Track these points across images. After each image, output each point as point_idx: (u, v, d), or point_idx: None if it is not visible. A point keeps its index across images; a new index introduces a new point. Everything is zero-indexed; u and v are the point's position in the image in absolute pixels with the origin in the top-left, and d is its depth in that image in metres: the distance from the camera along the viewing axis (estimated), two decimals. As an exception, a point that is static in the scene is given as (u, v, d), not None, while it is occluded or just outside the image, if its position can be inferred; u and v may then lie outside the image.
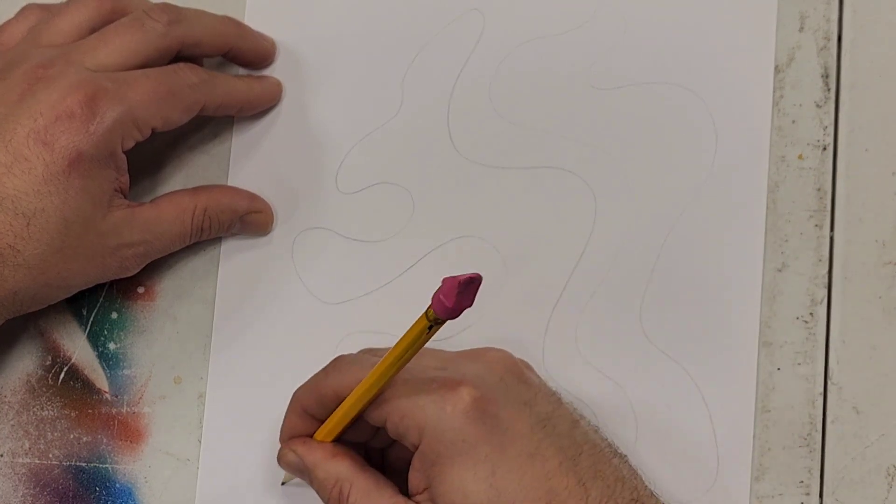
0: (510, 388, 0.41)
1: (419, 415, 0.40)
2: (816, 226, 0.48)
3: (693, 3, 0.50)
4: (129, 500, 0.48)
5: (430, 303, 0.36)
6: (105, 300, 0.49)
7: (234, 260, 0.49)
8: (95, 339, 0.49)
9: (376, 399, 0.41)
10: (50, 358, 0.49)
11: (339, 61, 0.51)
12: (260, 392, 0.48)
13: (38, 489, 0.48)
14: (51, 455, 0.48)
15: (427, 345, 0.39)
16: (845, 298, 0.48)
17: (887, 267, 0.48)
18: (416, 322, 0.38)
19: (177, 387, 0.49)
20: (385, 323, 0.48)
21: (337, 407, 0.42)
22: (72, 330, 0.49)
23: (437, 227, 0.49)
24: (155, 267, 0.49)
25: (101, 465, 0.48)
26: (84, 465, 0.48)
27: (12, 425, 0.48)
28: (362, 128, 0.50)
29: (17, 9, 0.49)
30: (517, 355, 0.47)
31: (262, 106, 0.50)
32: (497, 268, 0.48)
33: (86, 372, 0.49)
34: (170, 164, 0.50)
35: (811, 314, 0.48)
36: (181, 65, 0.46)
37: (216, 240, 0.49)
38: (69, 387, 0.49)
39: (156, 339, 0.49)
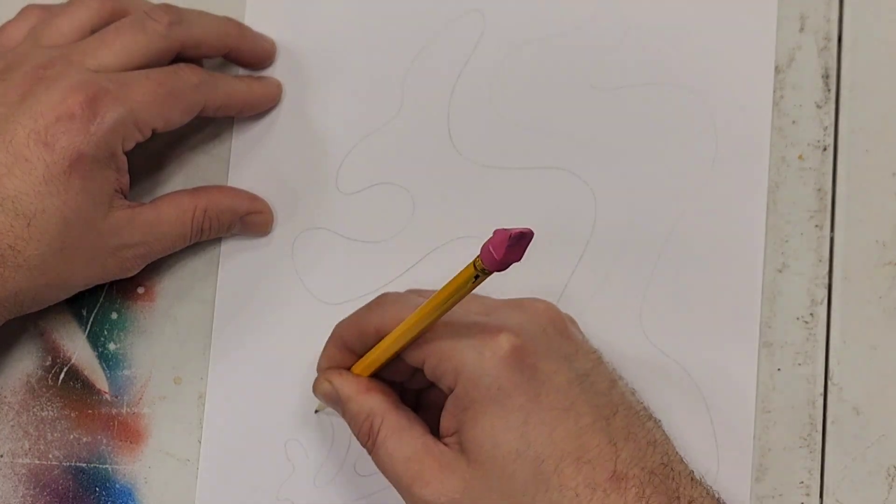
0: (551, 340, 0.41)
1: (457, 358, 0.40)
2: (817, 226, 0.48)
3: (693, 4, 0.50)
4: (129, 501, 0.48)
5: (478, 252, 0.36)
6: (105, 300, 0.49)
7: (235, 260, 0.49)
8: (95, 340, 0.49)
9: (416, 340, 0.41)
10: (50, 358, 0.49)
11: (339, 62, 0.51)
12: (260, 392, 0.48)
13: (37, 490, 0.48)
14: (51, 455, 0.48)
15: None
16: (845, 299, 0.48)
17: (887, 267, 0.48)
18: (463, 270, 0.37)
19: (177, 387, 0.49)
20: (385, 323, 0.49)
21: (376, 343, 0.42)
22: (72, 330, 0.49)
23: (438, 228, 0.49)
24: (155, 267, 0.49)
25: (101, 466, 0.48)
26: (84, 465, 0.48)
27: (12, 426, 0.48)
28: (363, 128, 0.50)
29: (18, 9, 0.49)
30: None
31: (262, 107, 0.50)
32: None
33: (86, 372, 0.49)
34: (170, 164, 0.50)
35: (811, 314, 0.48)
36: (182, 66, 0.46)
37: (216, 240, 0.49)
38: (69, 387, 0.49)
39: (156, 340, 0.49)
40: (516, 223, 0.44)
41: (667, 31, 0.50)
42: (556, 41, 0.50)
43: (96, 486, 0.48)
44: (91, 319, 0.49)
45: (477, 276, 0.37)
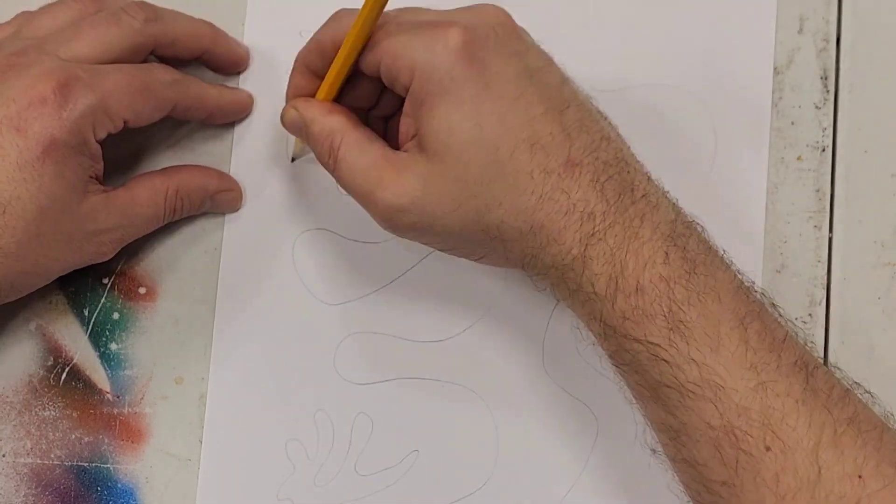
0: (501, 38, 0.41)
1: (410, 53, 0.41)
2: (815, 227, 0.48)
3: (693, 5, 0.50)
4: (131, 500, 0.48)
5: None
6: (107, 301, 0.49)
7: (236, 261, 0.49)
8: (97, 340, 0.49)
9: (369, 45, 0.42)
10: (52, 358, 0.49)
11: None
12: (261, 392, 0.49)
13: (39, 489, 0.48)
14: (52, 455, 0.48)
15: None
16: (844, 299, 0.48)
17: (886, 268, 0.48)
18: None
19: (178, 387, 0.49)
20: (385, 324, 0.49)
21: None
22: (73, 330, 0.49)
23: (438, 229, 0.49)
24: (156, 268, 0.49)
25: (102, 466, 0.48)
26: (86, 465, 0.48)
27: (14, 425, 0.49)
28: (363, 129, 0.50)
29: (16, 11, 0.49)
30: (517, 355, 0.48)
31: (231, 116, 0.50)
32: (497, 269, 0.48)
33: (87, 372, 0.49)
34: (170, 164, 0.50)
35: (810, 315, 0.48)
36: (155, 63, 0.47)
37: (218, 240, 0.49)
38: (71, 387, 0.49)
39: (157, 340, 0.49)
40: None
41: (666, 32, 0.50)
42: (556, 43, 0.50)
43: (98, 486, 0.48)
44: (93, 320, 0.49)
45: None
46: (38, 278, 0.45)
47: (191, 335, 0.49)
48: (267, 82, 0.50)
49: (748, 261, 0.48)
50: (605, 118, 0.42)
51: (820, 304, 0.48)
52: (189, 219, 0.49)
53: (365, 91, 0.45)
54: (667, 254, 0.39)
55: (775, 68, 0.49)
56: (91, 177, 0.44)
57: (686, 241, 0.39)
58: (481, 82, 0.40)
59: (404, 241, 0.49)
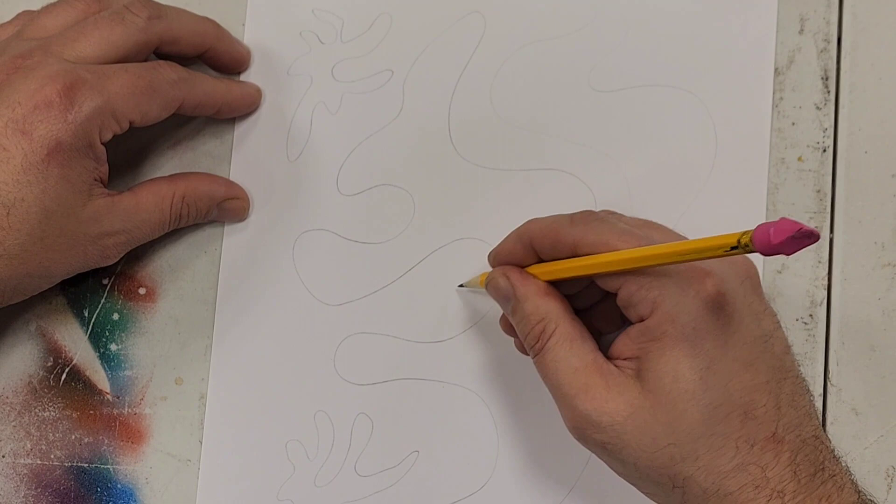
0: (747, 294, 0.41)
1: (659, 291, 0.39)
2: (816, 227, 0.48)
3: (693, 6, 0.50)
4: (131, 501, 0.48)
5: (750, 228, 0.35)
6: (107, 301, 0.49)
7: (235, 261, 0.49)
8: (97, 341, 0.49)
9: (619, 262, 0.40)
10: (51, 359, 0.49)
11: (340, 62, 0.51)
12: (261, 393, 0.49)
13: (39, 490, 0.48)
14: (52, 456, 0.48)
15: None
16: (845, 300, 0.48)
17: (886, 269, 0.48)
18: (722, 236, 0.36)
19: (178, 388, 0.49)
20: (386, 324, 0.49)
21: (567, 257, 0.42)
22: (73, 331, 0.49)
23: (438, 229, 0.49)
24: (156, 268, 0.49)
25: (102, 466, 0.48)
26: (85, 465, 0.48)
27: (14, 426, 0.49)
28: (363, 130, 0.50)
29: (15, 12, 0.49)
30: (517, 356, 0.48)
31: (239, 110, 0.50)
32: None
33: (87, 373, 0.49)
34: (171, 164, 0.50)
35: (811, 316, 0.48)
36: (161, 62, 0.46)
37: (217, 241, 0.49)
38: (71, 388, 0.49)
39: (157, 341, 0.49)
40: (517, 225, 0.44)
41: (667, 33, 0.50)
42: (556, 43, 0.50)
43: (98, 487, 0.48)
44: (92, 320, 0.49)
45: (734, 248, 0.35)
46: (41, 281, 0.45)
47: (191, 336, 0.49)
48: (267, 82, 0.50)
49: (749, 261, 0.48)
50: (810, 390, 0.42)
51: (821, 305, 0.48)
52: (189, 220, 0.49)
53: (575, 284, 0.43)
54: None
55: (776, 69, 0.49)
56: (95, 179, 0.44)
57: None
58: (721, 339, 0.39)
59: (404, 241, 0.49)
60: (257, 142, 0.50)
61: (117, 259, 0.46)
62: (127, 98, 0.44)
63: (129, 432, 0.48)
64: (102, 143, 0.44)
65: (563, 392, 0.40)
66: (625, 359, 0.40)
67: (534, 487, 0.48)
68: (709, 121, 0.49)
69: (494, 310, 0.48)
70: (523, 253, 0.43)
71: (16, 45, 0.45)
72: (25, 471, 0.48)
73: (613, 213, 0.45)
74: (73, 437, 0.48)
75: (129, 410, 0.49)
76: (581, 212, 0.43)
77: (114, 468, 0.48)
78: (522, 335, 0.42)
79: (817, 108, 0.49)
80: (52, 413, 0.48)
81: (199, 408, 0.49)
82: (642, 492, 0.41)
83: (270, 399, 0.48)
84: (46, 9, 0.47)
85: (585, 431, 0.40)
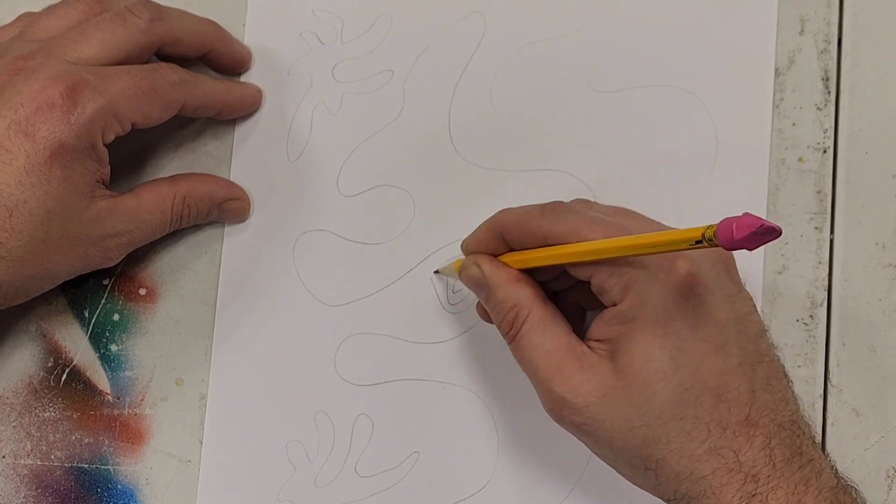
0: (720, 277, 0.41)
1: (630, 275, 0.40)
2: (816, 228, 0.48)
3: (693, 6, 0.50)
4: (131, 502, 0.48)
5: (712, 223, 0.35)
6: (107, 302, 0.49)
7: (236, 262, 0.49)
8: (97, 341, 0.49)
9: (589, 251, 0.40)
10: (52, 360, 0.49)
11: (340, 63, 0.51)
12: (261, 393, 0.49)
13: (39, 490, 0.48)
14: (52, 456, 0.48)
15: None
16: (845, 301, 0.48)
17: (887, 269, 0.48)
18: (686, 230, 0.36)
19: (178, 388, 0.49)
20: (386, 325, 0.49)
21: (537, 247, 0.42)
22: (73, 332, 0.49)
23: (438, 230, 0.49)
24: (156, 269, 0.49)
25: (102, 467, 0.48)
26: (86, 466, 0.48)
27: (14, 427, 0.49)
28: (363, 130, 0.50)
29: (16, 13, 0.49)
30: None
31: (242, 110, 0.50)
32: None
33: (87, 373, 0.49)
34: (171, 165, 0.50)
35: (811, 316, 0.48)
36: (163, 63, 0.46)
37: (218, 242, 0.49)
38: (71, 388, 0.49)
39: (157, 341, 0.49)
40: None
41: (667, 33, 0.50)
42: (556, 43, 0.50)
43: (98, 487, 0.48)
44: (93, 321, 0.49)
45: (699, 242, 0.35)
46: (43, 282, 0.45)
47: (191, 336, 0.49)
48: (267, 83, 0.50)
49: (749, 263, 0.48)
50: (787, 375, 0.42)
51: (821, 306, 0.48)
52: (190, 220, 0.49)
53: (548, 271, 0.43)
54: None
55: (776, 69, 0.49)
56: (98, 181, 0.44)
57: None
58: (691, 320, 0.39)
59: (404, 242, 0.49)
60: (258, 142, 0.50)
61: (119, 260, 0.46)
62: (129, 99, 0.44)
63: (130, 433, 0.48)
64: (104, 145, 0.44)
65: (539, 376, 0.41)
66: (599, 340, 0.41)
67: (534, 488, 0.48)
68: (709, 121, 0.49)
69: (495, 310, 0.48)
70: (495, 243, 0.44)
71: (17, 46, 0.45)
72: (26, 471, 0.48)
73: (585, 201, 0.45)
74: (74, 437, 0.48)
75: (130, 411, 0.49)
76: (551, 202, 0.43)
77: (114, 469, 0.48)
78: (497, 323, 0.43)
79: (818, 108, 0.49)
80: (53, 414, 0.48)
81: (200, 408, 0.49)
82: (620, 473, 0.41)
83: (271, 400, 0.48)
84: (48, 10, 0.47)
85: (562, 413, 0.40)
